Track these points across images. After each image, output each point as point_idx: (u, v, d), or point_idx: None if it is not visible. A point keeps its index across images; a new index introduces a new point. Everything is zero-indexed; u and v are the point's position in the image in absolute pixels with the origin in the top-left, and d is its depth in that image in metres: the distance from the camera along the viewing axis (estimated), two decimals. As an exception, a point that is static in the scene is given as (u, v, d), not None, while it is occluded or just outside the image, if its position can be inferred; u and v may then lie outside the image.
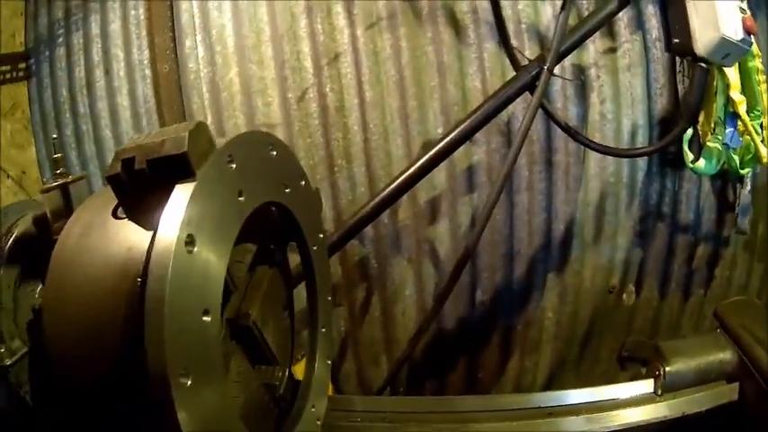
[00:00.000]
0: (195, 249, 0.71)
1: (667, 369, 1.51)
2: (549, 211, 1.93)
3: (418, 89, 1.85)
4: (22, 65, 2.22)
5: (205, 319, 0.73)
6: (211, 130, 0.78)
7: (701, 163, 1.96)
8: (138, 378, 0.68)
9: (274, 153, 0.94)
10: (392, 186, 1.66)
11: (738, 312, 1.69)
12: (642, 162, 2.00)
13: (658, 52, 1.96)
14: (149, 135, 0.79)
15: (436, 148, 1.65)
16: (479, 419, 1.51)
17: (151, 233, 0.74)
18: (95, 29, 2.06)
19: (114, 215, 0.83)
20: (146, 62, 1.99)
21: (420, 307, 1.91)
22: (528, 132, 1.62)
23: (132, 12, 2.01)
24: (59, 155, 1.84)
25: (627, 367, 2.11)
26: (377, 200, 1.67)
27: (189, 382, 0.69)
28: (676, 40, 1.87)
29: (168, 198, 0.72)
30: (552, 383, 2.04)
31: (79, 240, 0.86)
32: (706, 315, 2.13)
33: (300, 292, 1.18)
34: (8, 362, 0.93)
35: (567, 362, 2.06)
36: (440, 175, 1.87)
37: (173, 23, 1.95)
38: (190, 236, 0.70)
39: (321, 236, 1.16)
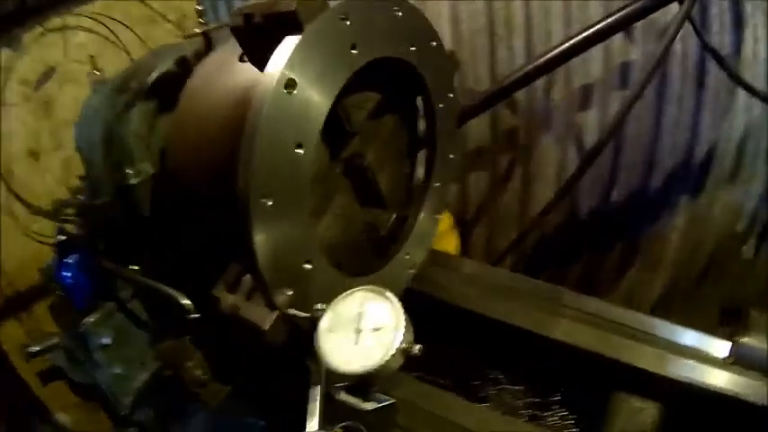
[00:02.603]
0: (295, 92, 0.80)
1: (743, 340, 1.37)
2: (695, 131, 1.90)
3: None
4: None
5: (297, 151, 0.82)
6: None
7: None
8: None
9: (399, 14, 0.98)
10: (548, 55, 1.65)
11: None
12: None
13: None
14: None
15: (591, 29, 1.65)
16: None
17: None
18: None
19: (240, 59, 0.95)
20: None
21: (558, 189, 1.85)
22: (673, 41, 1.63)
23: None
24: (201, 7, 1.92)
25: (725, 322, 1.99)
26: (532, 65, 1.66)
27: (270, 203, 0.79)
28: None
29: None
30: (660, 306, 1.94)
31: (209, 76, 1.01)
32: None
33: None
34: (134, 181, 1.06)
35: (678, 290, 1.97)
36: (596, 65, 1.88)
37: None
38: (291, 79, 0.79)
39: (450, 95, 1.17)
